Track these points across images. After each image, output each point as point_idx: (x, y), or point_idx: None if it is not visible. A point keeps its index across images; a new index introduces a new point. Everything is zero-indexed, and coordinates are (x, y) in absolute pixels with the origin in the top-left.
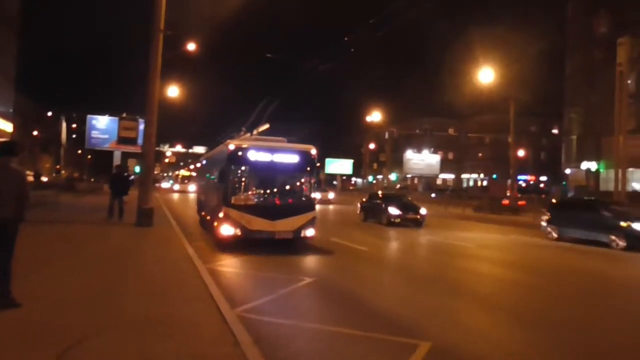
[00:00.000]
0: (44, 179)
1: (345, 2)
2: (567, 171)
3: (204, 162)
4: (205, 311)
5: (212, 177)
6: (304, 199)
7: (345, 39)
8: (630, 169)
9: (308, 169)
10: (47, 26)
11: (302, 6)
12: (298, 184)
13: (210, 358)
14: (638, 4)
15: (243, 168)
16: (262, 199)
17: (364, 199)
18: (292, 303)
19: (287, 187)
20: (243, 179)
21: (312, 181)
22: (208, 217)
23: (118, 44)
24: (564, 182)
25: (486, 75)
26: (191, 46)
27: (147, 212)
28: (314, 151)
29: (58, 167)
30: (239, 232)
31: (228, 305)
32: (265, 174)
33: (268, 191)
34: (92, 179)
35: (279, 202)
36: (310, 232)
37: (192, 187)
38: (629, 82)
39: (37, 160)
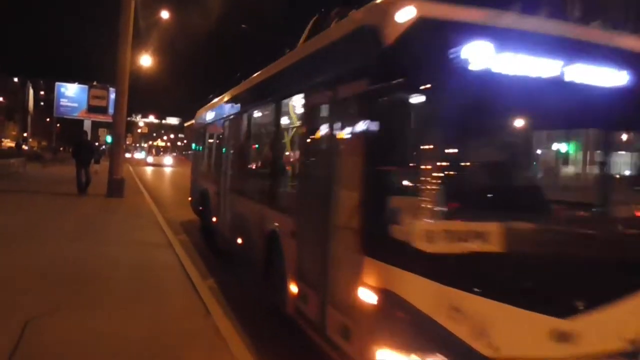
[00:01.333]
0: (25, 147)
1: None
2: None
3: (234, 97)
4: None
5: (282, 140)
6: None
7: (322, 9)
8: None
9: None
10: None
11: None
12: None
13: None
14: None
15: (465, 100)
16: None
17: None
18: None
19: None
20: (464, 144)
21: None
22: (250, 250)
23: (88, 9)
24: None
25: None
26: (164, 14)
27: (118, 182)
28: None
29: (25, 134)
30: None
31: None
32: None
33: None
34: (61, 149)
35: (597, 235)
36: None
37: (168, 160)
38: None
39: (3, 129)
